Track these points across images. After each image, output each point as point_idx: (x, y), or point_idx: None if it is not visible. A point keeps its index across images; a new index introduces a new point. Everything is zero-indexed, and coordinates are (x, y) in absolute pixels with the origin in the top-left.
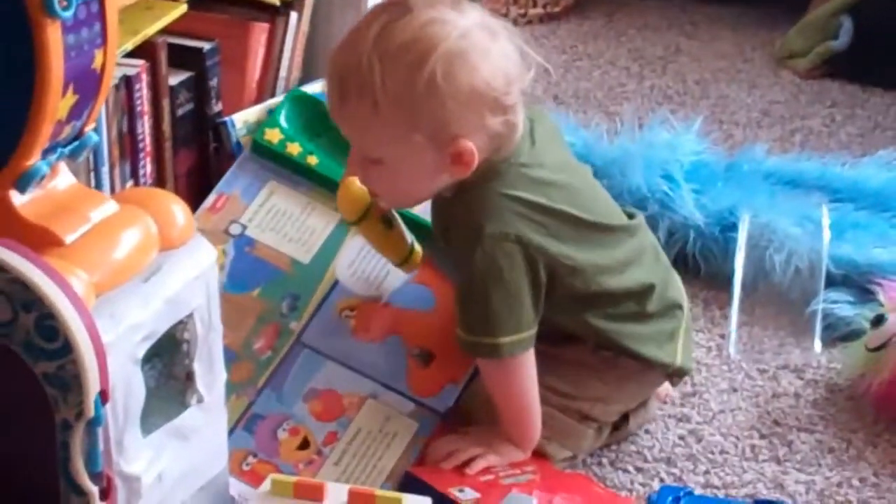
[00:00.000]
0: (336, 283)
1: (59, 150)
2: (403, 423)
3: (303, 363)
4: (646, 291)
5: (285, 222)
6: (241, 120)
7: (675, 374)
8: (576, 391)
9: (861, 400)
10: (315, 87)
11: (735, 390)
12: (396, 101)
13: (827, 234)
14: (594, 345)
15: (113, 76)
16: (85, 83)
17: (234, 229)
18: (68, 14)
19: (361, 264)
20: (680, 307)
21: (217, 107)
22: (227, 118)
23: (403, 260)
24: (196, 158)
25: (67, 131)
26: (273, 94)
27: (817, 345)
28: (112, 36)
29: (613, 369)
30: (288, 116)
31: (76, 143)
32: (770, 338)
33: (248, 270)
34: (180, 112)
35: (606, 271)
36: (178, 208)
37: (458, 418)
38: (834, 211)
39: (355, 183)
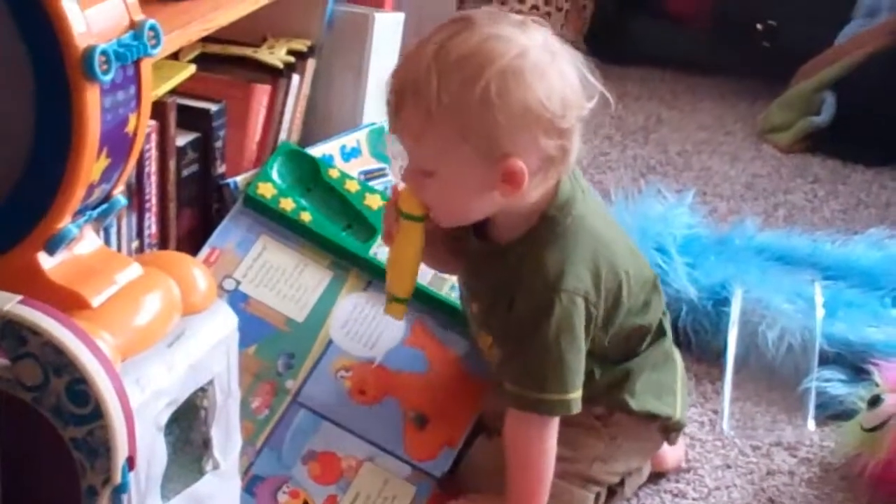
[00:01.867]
0: (330, 342)
1: (88, 213)
2: (402, 487)
3: (300, 423)
4: (654, 330)
5: (278, 279)
6: (244, 182)
7: (674, 428)
8: (573, 453)
9: (856, 480)
10: (316, 151)
11: (729, 467)
12: (450, 112)
13: (820, 312)
14: (586, 401)
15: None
16: (118, 147)
17: (228, 284)
18: (108, 77)
19: (355, 325)
20: (674, 360)
21: (221, 168)
22: (230, 180)
23: (400, 299)
24: (198, 218)
25: (97, 194)
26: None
27: (811, 423)
28: (146, 100)
29: (607, 426)
30: (280, 171)
31: (105, 207)
32: (762, 414)
33: (243, 327)
34: (186, 172)
35: (631, 314)
36: (199, 273)
37: (454, 483)
38: (826, 288)
39: None
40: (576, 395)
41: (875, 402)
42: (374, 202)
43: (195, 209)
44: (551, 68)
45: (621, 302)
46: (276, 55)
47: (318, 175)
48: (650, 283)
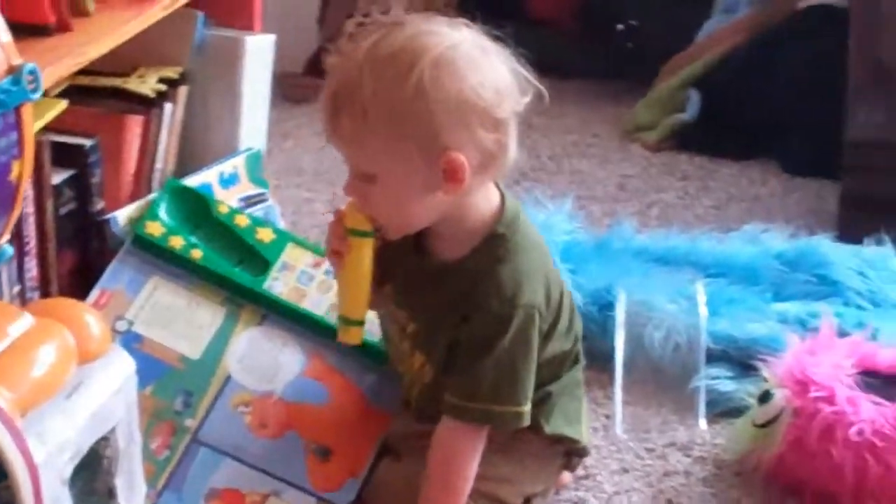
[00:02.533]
0: (228, 378)
1: None
2: None
3: (201, 461)
4: (573, 356)
5: (172, 317)
6: (124, 216)
7: (579, 454)
8: (482, 471)
9: (751, 476)
10: (194, 180)
11: (626, 471)
12: (386, 108)
13: (704, 311)
14: None
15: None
16: (1, 196)
17: (121, 325)
18: None
19: (252, 359)
20: (582, 388)
21: (99, 204)
22: (109, 215)
23: (354, 320)
24: (78, 257)
25: None
26: (149, 187)
27: (702, 422)
28: (28, 146)
29: (517, 447)
30: (168, 209)
31: None
32: (654, 416)
33: (138, 368)
34: (63, 211)
35: (559, 335)
36: (92, 319)
37: None
38: (707, 286)
39: None
40: (527, 408)
41: (765, 397)
42: (266, 235)
43: (75, 248)
44: (483, 60)
45: (559, 319)
46: (147, 84)
47: (207, 211)
48: (571, 304)
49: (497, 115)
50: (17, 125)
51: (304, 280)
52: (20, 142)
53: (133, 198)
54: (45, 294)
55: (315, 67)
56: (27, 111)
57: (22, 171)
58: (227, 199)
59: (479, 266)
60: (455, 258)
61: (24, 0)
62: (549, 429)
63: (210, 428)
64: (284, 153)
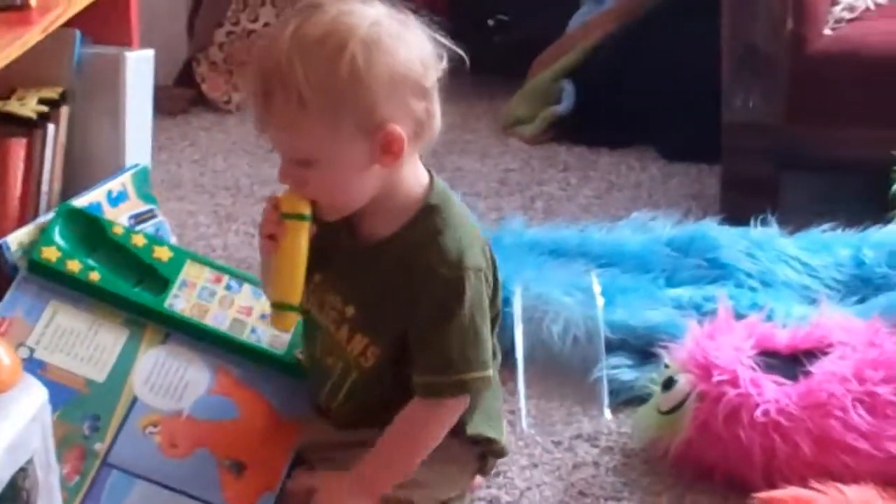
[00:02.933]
0: (135, 399)
1: None
2: None
3: (113, 485)
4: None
5: (74, 342)
6: (16, 241)
7: (497, 454)
8: None
9: (659, 462)
10: (82, 201)
11: (536, 465)
12: (322, 92)
13: (600, 301)
14: None
15: None
16: None
17: (22, 353)
18: None
19: (158, 379)
20: (498, 383)
21: None
22: (1, 241)
23: (289, 305)
24: None
25: None
26: (37, 210)
27: (606, 412)
28: None
29: (435, 451)
30: (62, 233)
31: None
32: (558, 409)
33: None
34: None
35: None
36: (1, 349)
37: None
38: (601, 276)
39: None
40: (491, 372)
41: (669, 384)
42: (163, 254)
43: None
44: (405, 32)
45: (496, 294)
46: (27, 106)
47: (102, 234)
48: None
49: (425, 83)
50: None
51: (206, 296)
52: None
53: (21, 222)
54: None
55: (186, 78)
56: None
57: None
58: (116, 218)
59: (417, 238)
60: (389, 233)
61: None
62: (469, 429)
63: (120, 451)
64: (161, 166)
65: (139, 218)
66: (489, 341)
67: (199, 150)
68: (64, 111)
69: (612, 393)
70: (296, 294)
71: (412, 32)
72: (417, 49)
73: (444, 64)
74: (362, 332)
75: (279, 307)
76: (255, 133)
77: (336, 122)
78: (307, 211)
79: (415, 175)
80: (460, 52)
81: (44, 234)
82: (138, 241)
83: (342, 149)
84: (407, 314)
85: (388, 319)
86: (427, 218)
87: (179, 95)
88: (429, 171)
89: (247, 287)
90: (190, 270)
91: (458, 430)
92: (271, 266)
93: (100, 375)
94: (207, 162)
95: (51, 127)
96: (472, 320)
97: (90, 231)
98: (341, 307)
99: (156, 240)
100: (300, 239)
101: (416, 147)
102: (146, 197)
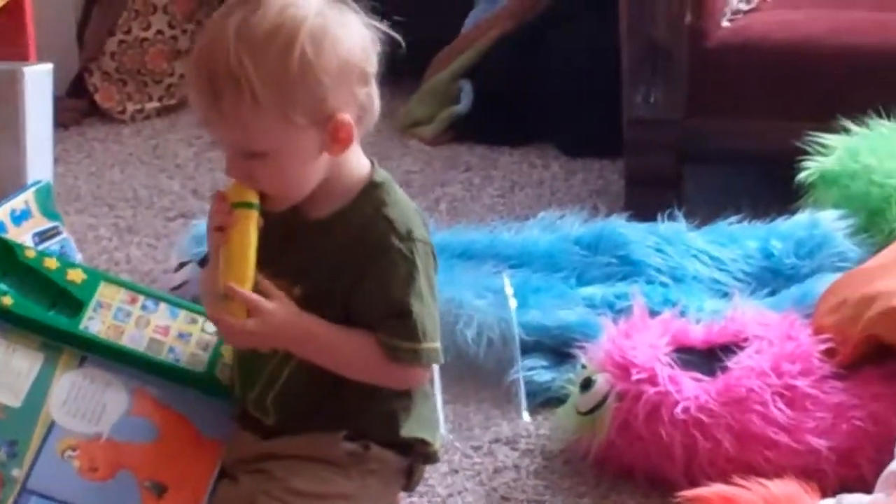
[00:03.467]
0: (52, 423)
1: None
2: None
3: None
4: None
5: None
6: None
7: (429, 460)
8: (322, 489)
9: (580, 463)
10: None
11: (456, 471)
12: (274, 88)
13: (513, 302)
14: (346, 436)
15: None
16: None
17: None
18: None
19: (76, 402)
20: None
21: None
22: None
23: (250, 289)
24: None
25: None
26: None
27: (524, 414)
28: None
29: (360, 464)
30: None
31: None
32: (475, 413)
33: None
34: None
35: None
36: None
37: None
38: (512, 277)
39: None
40: (439, 344)
41: (587, 384)
42: (77, 276)
43: None
44: (346, 20)
45: None
46: None
47: (12, 257)
48: None
49: (367, 69)
50: None
51: (121, 317)
52: None
53: None
54: None
55: (78, 89)
56: None
57: None
58: (20, 236)
59: (364, 211)
60: (333, 211)
61: None
62: (404, 432)
63: (39, 476)
64: (58, 179)
65: (44, 235)
66: (436, 316)
67: (96, 162)
68: None
69: (529, 395)
70: (248, 282)
71: (352, 20)
72: (359, 36)
73: (379, 48)
74: (311, 311)
75: (229, 297)
76: (152, 143)
77: (289, 116)
78: (255, 199)
79: (357, 158)
80: (396, 36)
81: None
82: (51, 264)
83: (294, 141)
84: (356, 288)
85: (338, 296)
86: (372, 193)
87: (72, 106)
88: (370, 159)
89: (163, 306)
90: (105, 291)
91: (390, 436)
92: (221, 257)
93: (15, 400)
94: (104, 174)
95: None
96: (427, 292)
97: (0, 255)
98: (288, 289)
99: (69, 263)
100: (250, 227)
101: (361, 132)
102: (50, 214)
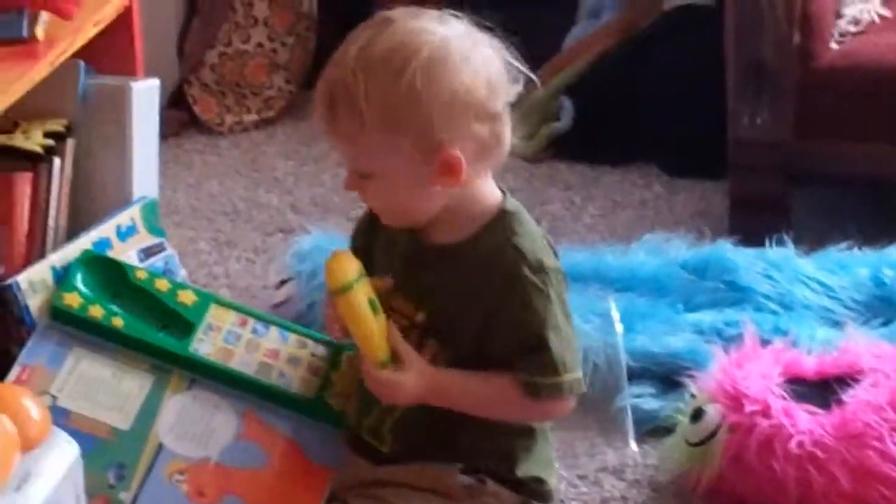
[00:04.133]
0: (161, 446)
1: None
2: None
3: None
4: None
5: (97, 389)
6: (26, 281)
7: (544, 498)
8: None
9: (690, 496)
10: (91, 236)
11: (563, 501)
12: (380, 109)
13: (619, 327)
14: (462, 469)
15: None
16: None
17: (45, 401)
18: None
19: (184, 425)
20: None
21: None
22: (11, 280)
23: (381, 363)
24: None
25: None
26: (44, 246)
27: (632, 443)
28: None
29: (473, 498)
30: (84, 279)
31: None
32: (580, 440)
33: None
34: None
35: None
36: (30, 403)
37: None
38: (617, 301)
39: (346, 252)
40: (581, 374)
41: (698, 415)
42: (188, 298)
43: None
44: (474, 53)
45: None
46: (32, 140)
47: (125, 279)
48: None
49: (490, 108)
50: None
51: (231, 340)
52: None
53: (28, 259)
54: None
55: (178, 101)
56: None
57: None
58: (125, 252)
59: (494, 240)
60: (461, 238)
61: None
62: (520, 472)
63: (146, 500)
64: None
65: (149, 252)
66: (575, 343)
67: (194, 174)
68: (69, 144)
69: (635, 423)
70: (383, 350)
71: (482, 53)
72: (484, 70)
73: (519, 86)
74: (435, 337)
75: (381, 366)
76: (250, 156)
77: (394, 140)
78: (351, 276)
79: (487, 187)
80: (532, 76)
81: (65, 281)
82: (162, 285)
83: (398, 167)
84: (485, 318)
85: (464, 324)
86: (502, 222)
87: (171, 118)
88: (501, 189)
89: (273, 329)
90: (215, 314)
91: (506, 473)
92: (352, 335)
93: (125, 423)
94: (203, 186)
95: (56, 161)
96: (564, 323)
97: (112, 276)
98: (411, 313)
99: (180, 284)
100: (357, 306)
101: (481, 168)
102: (155, 230)
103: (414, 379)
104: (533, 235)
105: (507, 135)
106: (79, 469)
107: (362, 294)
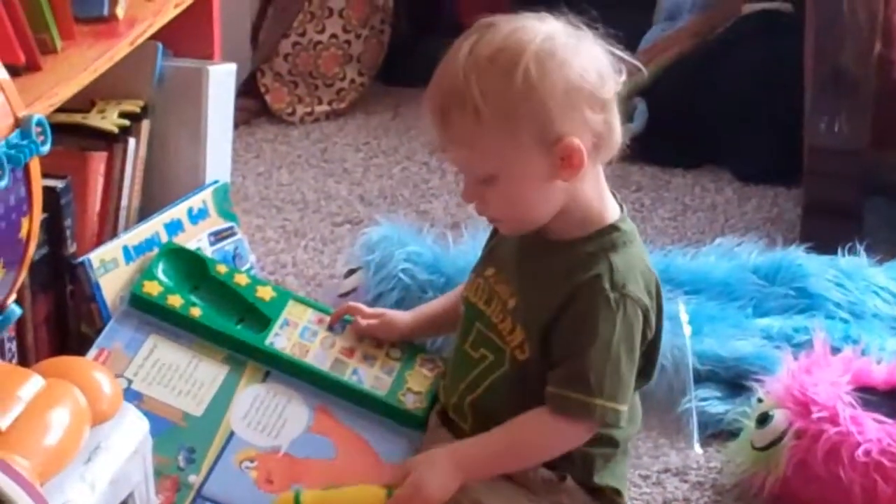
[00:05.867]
0: (232, 434)
1: None
2: None
3: None
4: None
5: (172, 375)
6: (98, 259)
7: None
8: None
9: (753, 500)
10: (163, 217)
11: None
12: (496, 106)
13: (688, 330)
14: (545, 462)
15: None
16: (12, 254)
17: (120, 384)
18: (2, 183)
19: (256, 415)
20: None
21: (72, 247)
22: (84, 258)
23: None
24: (53, 303)
25: None
26: (115, 226)
27: (696, 446)
28: (37, 201)
29: (552, 494)
30: (165, 270)
31: (0, 319)
32: (644, 440)
33: None
34: (36, 256)
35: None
36: (102, 377)
37: None
38: (687, 304)
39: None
40: (626, 408)
41: (764, 419)
42: (266, 294)
43: (49, 293)
44: (580, 45)
45: (655, 349)
46: (108, 119)
47: (205, 272)
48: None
49: (602, 96)
50: (25, 180)
51: (307, 336)
52: (28, 197)
53: (100, 238)
54: (23, 344)
55: (250, 90)
56: (34, 165)
57: (31, 228)
58: (195, 235)
59: (592, 248)
60: (566, 238)
61: None
62: (597, 479)
63: (214, 483)
64: None
65: (219, 235)
66: (629, 382)
67: (264, 163)
68: (144, 125)
69: (700, 426)
70: (374, 494)
71: (587, 45)
72: (593, 61)
73: (623, 77)
74: (521, 324)
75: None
76: (320, 146)
77: (513, 136)
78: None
79: (599, 194)
80: (638, 63)
81: (146, 270)
82: (241, 280)
83: (521, 162)
84: (553, 317)
85: (539, 317)
86: (608, 235)
87: (243, 106)
88: (620, 205)
89: (350, 329)
90: (293, 310)
91: (583, 477)
92: None
93: (197, 409)
94: (272, 175)
95: (131, 141)
96: (616, 350)
97: (193, 269)
98: (507, 299)
99: (259, 280)
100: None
101: (597, 160)
102: (226, 214)
103: (425, 472)
104: (631, 261)
105: (618, 125)
106: (148, 445)
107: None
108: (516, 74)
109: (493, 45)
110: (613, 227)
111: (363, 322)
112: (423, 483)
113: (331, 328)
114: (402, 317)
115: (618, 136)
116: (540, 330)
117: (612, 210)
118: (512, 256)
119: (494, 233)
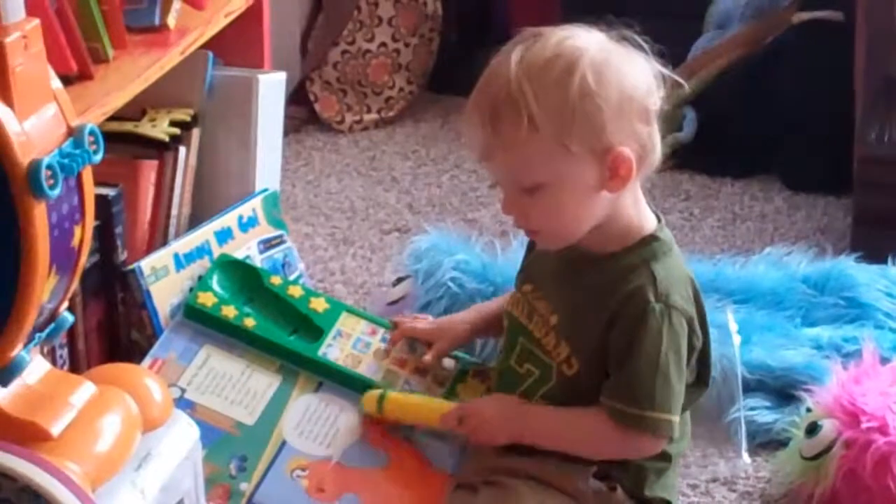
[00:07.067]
0: (283, 442)
1: (37, 335)
2: None
3: None
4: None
5: (225, 385)
6: (149, 266)
7: None
8: None
9: None
10: (213, 225)
11: None
12: (553, 112)
13: (737, 339)
14: (595, 473)
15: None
16: (65, 262)
17: (173, 392)
18: (55, 192)
19: (308, 425)
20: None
21: (123, 255)
22: (135, 265)
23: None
24: (104, 310)
25: (44, 314)
26: (166, 234)
27: (745, 455)
28: (89, 210)
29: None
30: (220, 281)
31: (52, 327)
32: (692, 449)
33: None
34: (87, 264)
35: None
36: (153, 384)
37: None
38: (736, 313)
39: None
40: (678, 419)
41: (813, 429)
42: (320, 305)
43: (100, 300)
44: (630, 56)
45: (706, 362)
46: (159, 128)
47: (259, 283)
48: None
49: (650, 107)
50: (78, 189)
51: (360, 347)
52: (81, 206)
53: (150, 246)
54: (74, 350)
55: (299, 98)
56: (87, 174)
57: (83, 236)
58: (245, 242)
59: (633, 260)
60: (604, 252)
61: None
62: (648, 491)
63: (265, 491)
64: None
65: (268, 244)
66: (679, 392)
67: (313, 171)
68: (195, 134)
69: (748, 435)
70: (439, 404)
71: (636, 57)
72: (642, 72)
73: (665, 91)
74: (566, 341)
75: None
76: (369, 154)
77: (567, 143)
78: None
79: (637, 205)
80: (679, 79)
81: (201, 282)
82: (295, 291)
83: (572, 171)
84: (603, 332)
85: (587, 333)
86: (648, 245)
87: (292, 114)
88: (657, 214)
89: (403, 340)
90: (346, 322)
91: (634, 489)
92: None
93: (250, 419)
94: (321, 183)
95: (182, 150)
96: (666, 360)
97: (247, 280)
98: (547, 315)
99: (312, 292)
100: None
101: (641, 173)
102: (276, 223)
103: (487, 401)
104: (673, 270)
105: (659, 139)
106: (198, 452)
107: (392, 393)
108: (573, 81)
109: (547, 53)
110: (653, 237)
111: (419, 325)
112: (487, 410)
113: (384, 340)
114: (459, 323)
115: (658, 150)
116: (589, 345)
117: (649, 220)
118: (549, 273)
119: (530, 248)
